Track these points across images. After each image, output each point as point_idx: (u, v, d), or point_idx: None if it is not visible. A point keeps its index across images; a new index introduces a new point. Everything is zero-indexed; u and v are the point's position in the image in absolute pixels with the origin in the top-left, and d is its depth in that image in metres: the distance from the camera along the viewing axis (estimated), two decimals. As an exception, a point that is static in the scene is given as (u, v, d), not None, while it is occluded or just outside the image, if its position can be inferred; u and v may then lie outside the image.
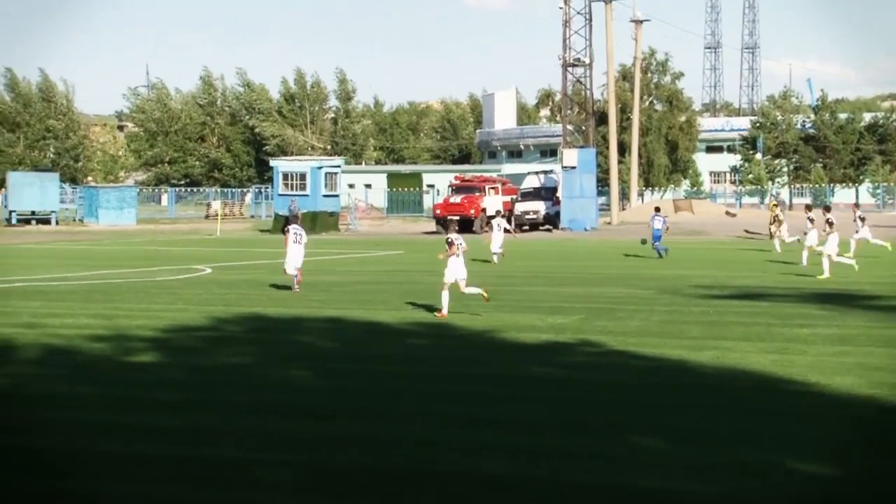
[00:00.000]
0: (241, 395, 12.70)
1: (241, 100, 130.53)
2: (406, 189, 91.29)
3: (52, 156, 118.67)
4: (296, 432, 10.72)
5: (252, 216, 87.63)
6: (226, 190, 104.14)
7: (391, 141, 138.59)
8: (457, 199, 63.12)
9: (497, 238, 36.11)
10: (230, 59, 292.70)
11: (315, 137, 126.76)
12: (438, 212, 62.86)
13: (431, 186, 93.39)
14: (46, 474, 9.30)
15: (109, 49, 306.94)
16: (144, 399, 12.44)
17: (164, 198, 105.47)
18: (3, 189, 77.59)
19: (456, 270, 20.60)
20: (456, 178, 69.01)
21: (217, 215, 69.22)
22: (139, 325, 18.59)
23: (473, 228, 61.88)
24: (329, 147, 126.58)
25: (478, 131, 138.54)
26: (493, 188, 64.75)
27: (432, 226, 62.25)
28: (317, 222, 61.56)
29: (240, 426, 11.01)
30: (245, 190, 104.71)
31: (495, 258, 35.50)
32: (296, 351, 16.15)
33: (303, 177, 63.12)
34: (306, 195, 62.15)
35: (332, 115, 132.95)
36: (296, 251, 25.34)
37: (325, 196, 63.24)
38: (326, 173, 63.89)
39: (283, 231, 26.53)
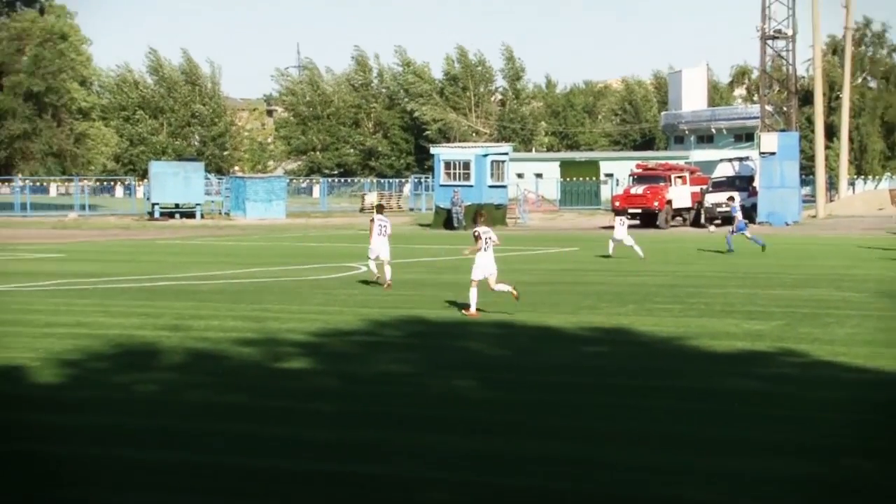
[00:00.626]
0: (398, 406, 12.82)
1: (399, 81, 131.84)
2: (581, 179, 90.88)
3: (196, 144, 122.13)
4: (459, 449, 10.76)
5: (411, 209, 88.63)
6: (382, 180, 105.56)
7: (565, 125, 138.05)
8: (638, 189, 62.55)
9: (620, 231, 37.27)
10: (386, 36, 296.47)
11: (480, 122, 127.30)
12: (618, 204, 62.38)
13: (610, 176, 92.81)
14: (194, 489, 9.55)
15: (257, 26, 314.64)
16: (296, 410, 12.67)
17: (316, 189, 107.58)
18: (146, 180, 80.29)
19: (485, 266, 21.22)
20: (638, 165, 68.41)
21: (372, 208, 70.32)
22: (290, 329, 18.96)
23: (657, 223, 61.19)
24: (495, 132, 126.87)
25: (663, 113, 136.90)
26: (679, 177, 63.94)
27: (611, 219, 61.80)
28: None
29: (397, 441, 11.12)
30: (403, 180, 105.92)
31: (610, 251, 37.02)
32: (460, 358, 16.22)
33: (466, 165, 63.43)
34: (470, 186, 62.49)
35: (499, 96, 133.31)
36: (380, 243, 27.07)
37: (491, 187, 63.41)
38: (493, 161, 64.06)
39: (371, 220, 28.69)
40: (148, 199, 75.18)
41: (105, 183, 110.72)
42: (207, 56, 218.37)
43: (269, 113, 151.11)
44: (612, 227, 39.76)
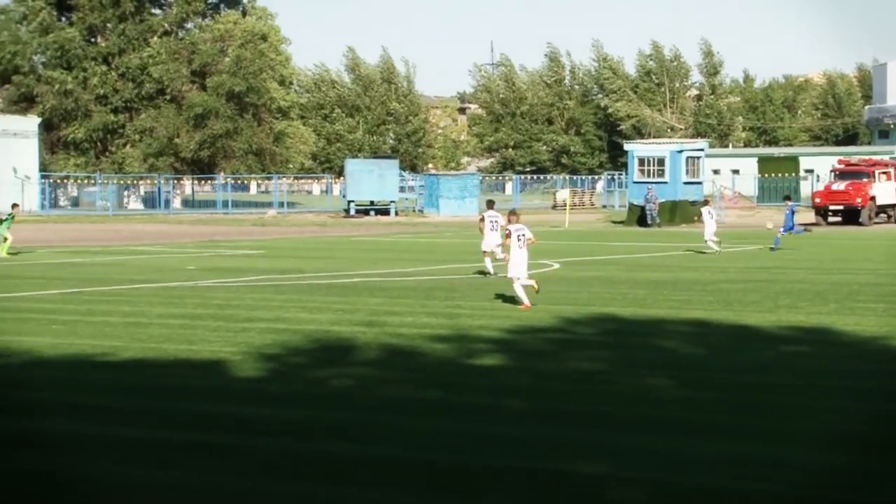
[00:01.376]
0: (590, 404, 12.78)
1: (594, 76, 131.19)
2: (780, 175, 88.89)
3: (391, 141, 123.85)
4: (650, 448, 10.68)
5: (604, 206, 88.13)
6: (574, 177, 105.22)
7: (763, 120, 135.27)
8: (840, 185, 60.90)
9: (710, 226, 37.86)
10: (578, 33, 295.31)
11: (675, 117, 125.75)
12: (818, 200, 60.84)
13: (810, 171, 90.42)
14: (387, 483, 9.71)
15: (451, 24, 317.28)
16: (489, 406, 12.76)
17: (509, 186, 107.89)
18: (342, 178, 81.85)
19: (520, 262, 22.13)
20: (840, 161, 66.52)
21: (565, 205, 70.11)
22: (482, 326, 19.10)
23: (860, 220, 59.47)
24: (691, 128, 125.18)
25: (867, 108, 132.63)
26: (884, 173, 61.97)
27: (810, 216, 60.30)
28: (676, 212, 61.13)
29: (589, 439, 11.09)
30: (595, 177, 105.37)
31: (714, 246, 37.51)
32: (655, 357, 16.08)
33: (661, 162, 62.77)
34: (665, 182, 61.84)
35: (695, 91, 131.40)
36: (492, 238, 28.57)
37: (686, 183, 62.61)
38: (688, 157, 63.24)
39: (481, 218, 30.16)
40: (344, 196, 76.66)
41: (303, 181, 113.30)
42: (403, 54, 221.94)
43: (462, 110, 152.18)
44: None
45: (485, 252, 29.22)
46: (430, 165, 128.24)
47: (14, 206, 41.45)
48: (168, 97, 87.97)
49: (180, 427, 11.74)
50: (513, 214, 23.14)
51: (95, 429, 11.67)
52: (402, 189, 79.09)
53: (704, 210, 39.56)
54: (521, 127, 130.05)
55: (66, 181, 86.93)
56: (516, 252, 22.21)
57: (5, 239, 37.97)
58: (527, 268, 22.51)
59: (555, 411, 12.51)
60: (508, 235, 22.34)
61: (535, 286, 22.10)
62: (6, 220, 38.61)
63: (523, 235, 22.36)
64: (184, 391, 13.72)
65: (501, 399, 13.13)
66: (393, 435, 11.36)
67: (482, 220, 29.60)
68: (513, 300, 22.24)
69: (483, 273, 28.96)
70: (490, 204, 31.01)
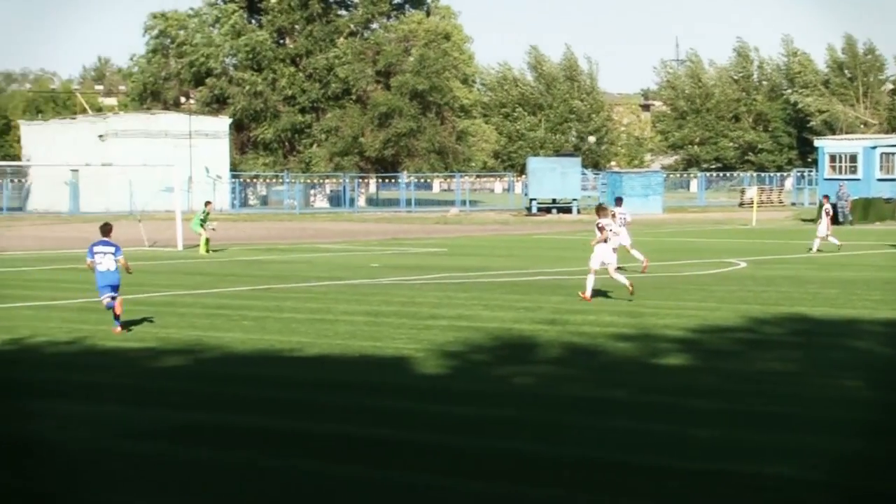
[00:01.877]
0: (781, 405, 12.50)
1: (783, 71, 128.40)
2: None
3: (573, 139, 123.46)
4: (844, 451, 10.37)
5: (793, 204, 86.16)
6: (762, 174, 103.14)
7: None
8: None
9: (825, 223, 36.99)
10: (767, 26, 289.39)
11: (868, 113, 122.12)
12: None
13: None
14: (561, 481, 9.66)
15: (635, 21, 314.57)
16: (675, 407, 12.60)
17: (693, 184, 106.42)
18: (524, 176, 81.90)
19: (603, 255, 22.93)
20: None
21: (752, 203, 68.79)
22: (666, 325, 18.87)
23: None
24: (885, 124, 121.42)
25: None
26: None
27: None
28: (869, 210, 59.35)
29: (778, 441, 10.84)
30: (784, 174, 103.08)
31: (817, 244, 36.50)
32: (847, 358, 15.66)
33: (853, 158, 61.12)
34: (857, 179, 60.18)
35: (890, 86, 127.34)
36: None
37: (880, 180, 60.83)
38: (882, 154, 61.42)
39: None
40: (526, 194, 76.67)
41: (485, 179, 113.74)
42: (585, 52, 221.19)
43: (646, 107, 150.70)
44: None
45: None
46: (613, 163, 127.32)
47: (207, 203, 42.57)
48: (353, 97, 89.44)
49: (365, 423, 11.90)
50: (602, 210, 24.18)
51: (283, 423, 11.91)
52: (584, 187, 78.72)
53: (824, 209, 38.36)
54: (707, 123, 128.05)
55: (255, 180, 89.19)
56: (601, 246, 23.14)
57: (207, 240, 39.06)
58: (616, 260, 23.45)
59: (743, 412, 12.27)
60: (601, 229, 23.22)
61: (630, 288, 22.57)
62: (201, 217, 39.75)
63: (613, 231, 23.79)
64: (369, 388, 13.89)
65: (687, 399, 12.94)
66: (580, 434, 11.29)
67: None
68: (606, 295, 21.92)
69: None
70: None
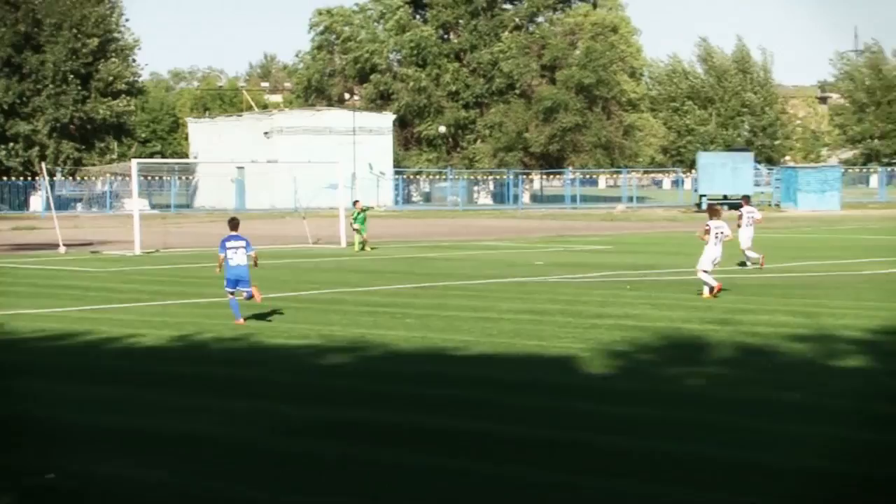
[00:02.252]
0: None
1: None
2: None
3: (745, 133, 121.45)
4: None
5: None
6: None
7: None
8: None
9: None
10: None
11: None
12: None
13: None
14: (734, 487, 9.48)
15: (809, 10, 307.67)
16: (853, 411, 12.28)
17: (873, 179, 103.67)
18: (693, 171, 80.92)
19: (714, 256, 23.28)
20: None
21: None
22: (845, 325, 18.40)
23: None
24: None
25: None
26: None
27: None
28: None
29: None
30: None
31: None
32: None
33: None
34: None
35: None
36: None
37: None
38: None
39: None
40: (695, 190, 75.73)
41: (653, 175, 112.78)
42: (758, 42, 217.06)
43: (823, 100, 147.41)
44: None
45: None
46: (788, 158, 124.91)
47: (355, 203, 42.26)
48: (517, 92, 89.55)
49: (531, 423, 11.86)
50: (713, 211, 24.33)
51: (449, 422, 11.94)
52: (757, 183, 77.40)
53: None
54: (890, 116, 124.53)
55: (418, 177, 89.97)
56: (711, 248, 23.33)
57: (363, 241, 39.40)
58: (712, 263, 23.31)
59: (927, 418, 11.88)
60: (708, 231, 23.43)
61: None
62: (358, 216, 40.07)
63: (722, 233, 23.55)
64: (534, 387, 13.85)
65: (871, 403, 12.58)
66: (754, 438, 11.06)
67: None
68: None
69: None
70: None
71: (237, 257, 19.85)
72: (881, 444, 10.79)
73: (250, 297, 19.76)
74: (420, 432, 11.48)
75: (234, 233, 20.10)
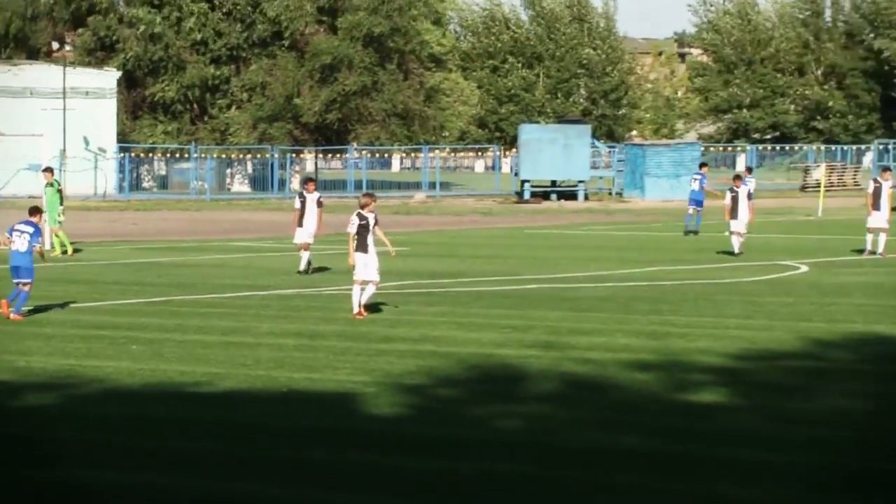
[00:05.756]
0: (852, 456, 12.58)
1: (861, 9, 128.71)
2: None
3: (583, 101, 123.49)
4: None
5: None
6: (833, 147, 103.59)
7: None
8: None
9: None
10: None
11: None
12: None
13: None
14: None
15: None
16: (708, 459, 12.66)
17: (741, 160, 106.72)
18: (514, 150, 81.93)
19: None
20: None
21: (819, 185, 69.09)
22: (701, 349, 18.92)
23: None
24: None
25: None
26: None
27: None
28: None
29: (848, 506, 10.93)
30: (863, 147, 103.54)
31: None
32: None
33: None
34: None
35: None
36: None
37: None
38: None
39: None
40: (516, 174, 76.64)
41: (463, 154, 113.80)
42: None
43: (682, 57, 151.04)
44: None
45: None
46: (635, 132, 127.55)
47: (46, 171, 39.08)
48: (286, 43, 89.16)
49: (296, 482, 11.89)
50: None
51: (182, 483, 11.89)
52: (594, 165, 78.74)
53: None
54: (762, 79, 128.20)
55: (151, 155, 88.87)
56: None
57: (56, 235, 37.40)
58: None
59: (801, 467, 12.36)
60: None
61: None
62: (50, 192, 37.24)
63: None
64: (302, 434, 13.89)
65: (725, 448, 12.99)
66: (585, 497, 11.30)
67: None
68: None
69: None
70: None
71: (18, 242, 23.25)
72: (744, 501, 11.17)
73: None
74: (138, 499, 11.41)
75: (29, 218, 23.46)
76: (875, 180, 37.16)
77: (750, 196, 37.68)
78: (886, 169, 39.65)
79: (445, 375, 17.02)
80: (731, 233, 36.27)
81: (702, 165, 51.95)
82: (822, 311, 23.31)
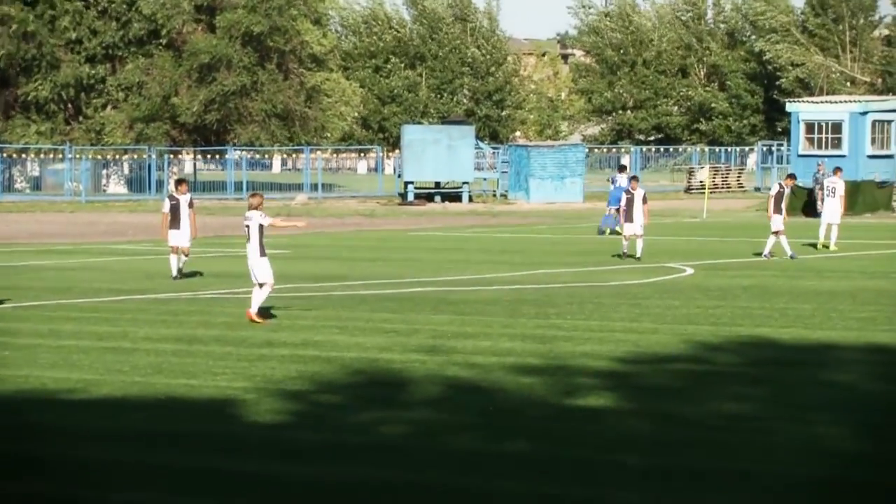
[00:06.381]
0: (738, 461, 12.67)
1: (744, 12, 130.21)
2: None
3: (465, 101, 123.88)
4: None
5: (757, 188, 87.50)
6: (717, 149, 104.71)
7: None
8: None
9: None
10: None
11: (858, 67, 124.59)
12: None
13: None
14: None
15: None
16: (597, 463, 12.69)
17: (625, 161, 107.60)
18: (397, 151, 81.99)
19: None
20: None
21: (704, 187, 69.78)
22: (586, 353, 19.00)
23: None
24: (878, 81, 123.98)
25: None
26: None
27: None
28: (858, 197, 60.35)
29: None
30: (746, 149, 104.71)
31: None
32: (824, 396, 15.91)
33: (837, 128, 62.15)
34: (842, 156, 61.06)
35: (885, 31, 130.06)
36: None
37: (871, 157, 61.93)
38: (875, 122, 62.56)
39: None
40: (399, 176, 76.67)
41: (345, 155, 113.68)
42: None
43: (565, 58, 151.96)
44: None
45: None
46: (519, 134, 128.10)
47: None
48: (163, 42, 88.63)
49: (173, 491, 11.77)
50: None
51: (56, 494, 11.73)
52: (478, 166, 78.94)
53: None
54: (644, 80, 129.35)
55: (24, 155, 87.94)
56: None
57: None
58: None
59: (685, 470, 12.42)
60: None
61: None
62: None
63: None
64: (179, 441, 13.76)
65: (612, 454, 13.04)
66: (461, 502, 11.29)
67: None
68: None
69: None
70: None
71: None
72: (627, 505, 11.22)
73: None
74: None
75: None
76: (780, 185, 37.80)
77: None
78: (791, 176, 40.35)
79: (328, 381, 16.96)
80: (625, 236, 36.25)
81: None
82: (707, 314, 23.51)
